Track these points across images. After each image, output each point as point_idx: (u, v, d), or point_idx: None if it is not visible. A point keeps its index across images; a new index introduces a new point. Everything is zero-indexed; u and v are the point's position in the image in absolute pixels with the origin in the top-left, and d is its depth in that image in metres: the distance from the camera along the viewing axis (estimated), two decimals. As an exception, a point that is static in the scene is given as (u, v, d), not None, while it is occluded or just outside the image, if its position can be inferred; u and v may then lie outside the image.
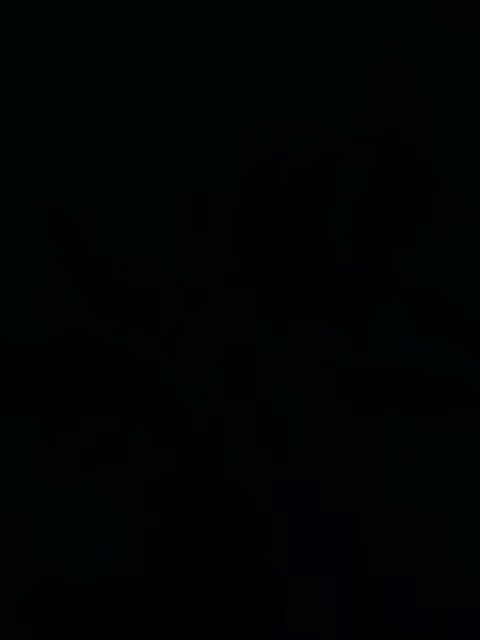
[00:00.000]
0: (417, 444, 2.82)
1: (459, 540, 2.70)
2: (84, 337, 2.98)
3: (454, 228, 3.02)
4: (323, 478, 2.79)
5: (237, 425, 2.87)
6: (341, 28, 3.14)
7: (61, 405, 2.90)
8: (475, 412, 2.84)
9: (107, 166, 3.14)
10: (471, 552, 2.69)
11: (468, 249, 3.01)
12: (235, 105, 3.15)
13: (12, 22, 3.21)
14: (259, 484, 2.79)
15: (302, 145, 3.10)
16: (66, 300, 3.02)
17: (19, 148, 3.15)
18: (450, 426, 2.83)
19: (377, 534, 2.70)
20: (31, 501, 2.80)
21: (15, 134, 3.16)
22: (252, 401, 2.89)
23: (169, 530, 2.74)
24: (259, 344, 2.97)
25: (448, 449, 2.81)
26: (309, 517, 2.73)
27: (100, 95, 3.18)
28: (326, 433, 2.84)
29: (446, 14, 3.14)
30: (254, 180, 3.08)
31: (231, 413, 2.88)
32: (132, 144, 3.16)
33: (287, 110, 3.13)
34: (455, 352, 2.92)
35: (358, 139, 3.10)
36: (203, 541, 2.71)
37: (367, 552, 2.68)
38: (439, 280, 2.98)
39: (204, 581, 2.67)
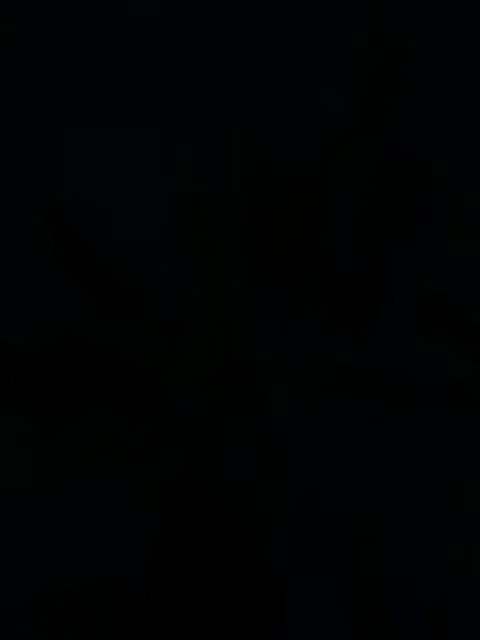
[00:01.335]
0: (417, 444, 2.82)
1: (459, 539, 2.70)
2: (84, 337, 2.98)
3: (454, 228, 3.02)
4: (323, 478, 2.79)
5: (237, 425, 2.87)
6: (340, 29, 3.14)
7: (61, 405, 2.90)
8: (475, 412, 2.84)
9: (107, 166, 3.14)
10: (471, 551, 2.69)
11: (468, 249, 3.01)
12: (234, 106, 3.15)
13: (14, 25, 3.21)
14: (259, 484, 2.79)
15: (302, 146, 3.10)
16: (66, 300, 3.02)
17: (20, 149, 3.15)
18: (450, 426, 2.83)
19: (377, 533, 2.70)
20: (31, 501, 2.80)
21: (16, 135, 3.16)
22: (252, 401, 2.89)
23: (169, 530, 2.74)
24: (259, 344, 2.97)
25: (448, 449, 2.81)
26: (309, 516, 2.73)
27: (100, 97, 3.18)
28: (326, 432, 2.84)
29: (446, 14, 3.14)
30: (254, 180, 3.08)
31: (231, 413, 2.88)
32: (132, 145, 3.16)
33: (287, 111, 3.13)
34: (455, 352, 2.92)
35: (358, 139, 3.10)
36: (203, 541, 2.71)
37: (367, 551, 2.68)
38: (439, 280, 2.98)
39: (204, 580, 2.67)
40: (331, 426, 2.85)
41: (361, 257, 3.02)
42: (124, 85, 3.19)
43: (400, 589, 2.64)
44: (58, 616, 2.68)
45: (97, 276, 3.05)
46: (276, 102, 3.13)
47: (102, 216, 3.09)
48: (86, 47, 3.18)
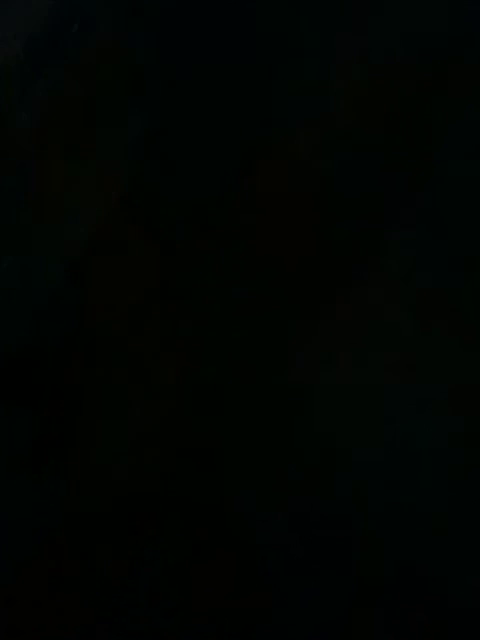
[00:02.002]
0: (416, 445, 2.82)
1: (460, 538, 2.69)
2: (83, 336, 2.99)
3: (453, 226, 3.01)
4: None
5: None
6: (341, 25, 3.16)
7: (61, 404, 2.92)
8: (476, 413, 2.84)
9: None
10: (472, 552, 2.68)
11: (468, 248, 3.01)
12: (234, 108, 3.17)
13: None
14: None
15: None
16: (65, 298, 3.04)
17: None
18: (450, 427, 2.83)
19: (376, 532, 2.70)
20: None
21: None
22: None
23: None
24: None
25: (448, 450, 2.81)
26: (306, 514, 2.74)
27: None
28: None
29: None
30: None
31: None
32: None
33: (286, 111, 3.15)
34: (455, 353, 2.91)
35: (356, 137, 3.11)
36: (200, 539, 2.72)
37: (366, 550, 2.68)
38: (438, 279, 2.98)
39: (201, 580, 2.68)
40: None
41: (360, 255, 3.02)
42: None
43: (400, 589, 2.64)
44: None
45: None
46: (276, 104, 3.14)
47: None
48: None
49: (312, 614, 2.62)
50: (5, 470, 2.85)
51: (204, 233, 3.00)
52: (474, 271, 2.97)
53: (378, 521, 2.71)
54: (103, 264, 3.07)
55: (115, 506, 2.81)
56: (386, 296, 2.95)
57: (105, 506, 2.82)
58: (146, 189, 3.02)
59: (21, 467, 2.85)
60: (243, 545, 2.70)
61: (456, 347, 2.91)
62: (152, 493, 2.81)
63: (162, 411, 2.90)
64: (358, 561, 2.66)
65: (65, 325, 3.01)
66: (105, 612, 2.71)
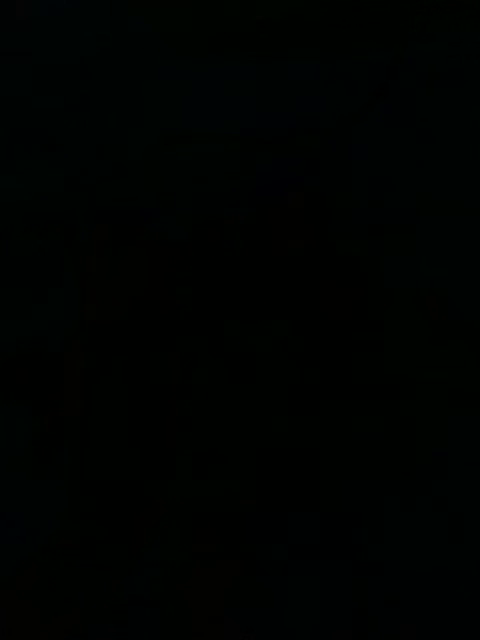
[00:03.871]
0: (416, 445, 2.81)
1: (460, 539, 2.69)
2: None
3: (454, 226, 3.02)
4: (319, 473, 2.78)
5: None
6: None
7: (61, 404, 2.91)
8: (476, 413, 2.84)
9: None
10: (472, 552, 2.67)
11: (468, 248, 3.01)
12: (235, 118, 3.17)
13: None
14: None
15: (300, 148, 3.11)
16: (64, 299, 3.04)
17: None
18: (451, 427, 2.83)
19: (375, 531, 2.70)
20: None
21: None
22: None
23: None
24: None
25: (448, 449, 2.80)
26: (304, 513, 2.73)
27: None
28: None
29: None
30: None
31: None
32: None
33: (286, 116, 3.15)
34: (455, 355, 2.92)
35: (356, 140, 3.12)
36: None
37: (365, 550, 2.67)
38: (438, 280, 2.98)
39: (198, 579, 2.66)
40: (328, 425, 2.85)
41: (360, 259, 3.03)
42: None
43: (400, 588, 2.63)
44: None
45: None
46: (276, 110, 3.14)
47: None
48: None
49: (309, 613, 2.61)
50: (5, 470, 2.84)
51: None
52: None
53: (377, 519, 2.71)
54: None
55: (115, 505, 2.81)
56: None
57: (105, 505, 2.81)
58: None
59: (21, 467, 2.83)
60: (243, 547, 2.69)
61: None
62: (151, 493, 2.80)
63: (160, 410, 2.90)
64: (358, 561, 2.66)
65: (65, 324, 3.01)
66: (104, 613, 2.69)
